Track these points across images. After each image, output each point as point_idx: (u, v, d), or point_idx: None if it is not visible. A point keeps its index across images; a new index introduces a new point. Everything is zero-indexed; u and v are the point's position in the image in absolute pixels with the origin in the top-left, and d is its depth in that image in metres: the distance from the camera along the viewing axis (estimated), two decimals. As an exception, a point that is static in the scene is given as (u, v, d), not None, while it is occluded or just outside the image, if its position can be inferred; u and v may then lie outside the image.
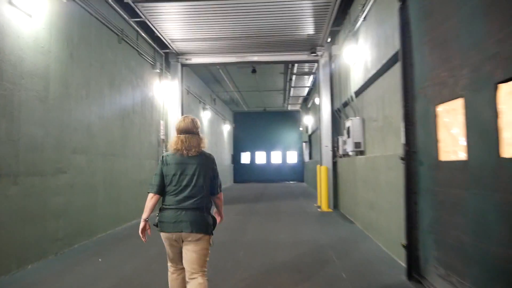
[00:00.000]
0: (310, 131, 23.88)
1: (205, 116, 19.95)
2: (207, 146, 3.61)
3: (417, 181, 5.07)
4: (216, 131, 23.82)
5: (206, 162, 3.54)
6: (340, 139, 11.52)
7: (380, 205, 7.22)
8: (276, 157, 31.60)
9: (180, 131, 3.57)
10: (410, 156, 5.22)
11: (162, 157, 3.56)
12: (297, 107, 27.55)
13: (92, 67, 7.98)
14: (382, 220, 7.09)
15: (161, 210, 3.52)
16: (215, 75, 18.27)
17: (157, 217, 3.53)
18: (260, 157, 31.70)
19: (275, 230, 8.85)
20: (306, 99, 23.77)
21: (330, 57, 12.70)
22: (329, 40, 12.34)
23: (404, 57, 5.36)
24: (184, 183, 3.44)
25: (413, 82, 5.19)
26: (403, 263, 5.52)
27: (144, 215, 3.58)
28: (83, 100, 7.58)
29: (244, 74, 18.04)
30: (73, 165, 7.16)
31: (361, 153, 9.36)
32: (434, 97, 4.57)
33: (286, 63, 14.61)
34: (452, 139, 4.26)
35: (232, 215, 11.29)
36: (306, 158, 27.00)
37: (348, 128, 9.66)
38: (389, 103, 6.92)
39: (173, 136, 3.72)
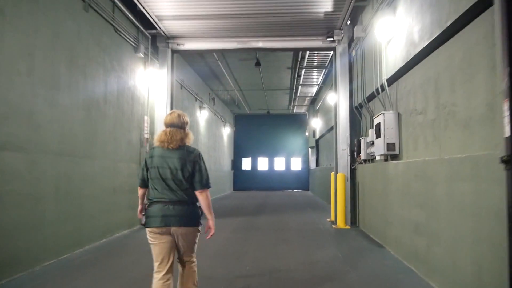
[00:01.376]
0: (318, 135, 21.77)
1: (202, 116, 17.87)
2: (192, 141, 3.60)
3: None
4: (215, 134, 21.73)
5: (187, 156, 3.50)
6: (363, 141, 9.41)
7: (435, 230, 5.08)
8: (279, 164, 29.48)
9: (166, 124, 3.58)
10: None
11: (150, 149, 3.70)
12: (303, 110, 25.46)
13: (39, 34, 5.89)
14: (439, 252, 4.95)
15: (147, 205, 3.52)
16: (213, 69, 16.21)
17: (143, 214, 3.57)
18: (262, 164, 29.57)
19: (282, 256, 6.71)
20: (314, 100, 21.69)
21: (350, 42, 10.62)
22: (348, 22, 10.27)
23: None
24: (165, 176, 3.43)
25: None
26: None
27: (139, 203, 3.75)
28: (21, 77, 5.49)
29: (247, 68, 15.98)
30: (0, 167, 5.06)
31: (394, 157, 7.26)
32: None
33: (296, 50, 12.52)
34: None
35: (227, 233, 9.15)
36: (313, 165, 24.87)
37: (378, 125, 7.55)
38: (451, 85, 4.82)
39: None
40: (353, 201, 10.46)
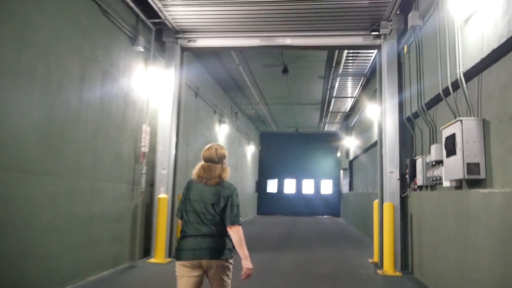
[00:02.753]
0: (352, 156, 19.42)
1: (222, 131, 15.90)
2: (229, 175, 3.55)
3: None
4: (237, 152, 19.72)
5: (222, 191, 3.46)
6: (420, 161, 7.14)
7: None
8: (308, 187, 27.08)
9: (204, 159, 3.55)
10: None
11: (187, 182, 3.59)
12: (335, 128, 23.17)
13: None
14: None
15: (180, 238, 3.47)
16: (235, 77, 14.29)
17: (176, 247, 3.49)
18: (290, 186, 27.25)
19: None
20: (348, 116, 19.43)
21: (400, 37, 8.47)
22: (398, 12, 8.16)
23: None
24: (199, 209, 3.42)
25: None
26: None
27: None
28: None
29: (273, 77, 13.99)
30: None
31: (476, 183, 5.01)
32: None
33: (331, 48, 10.43)
34: None
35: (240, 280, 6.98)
36: (345, 189, 22.43)
37: (451, 139, 5.32)
38: None
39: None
40: (403, 238, 8.13)
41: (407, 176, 8.07)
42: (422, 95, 7.15)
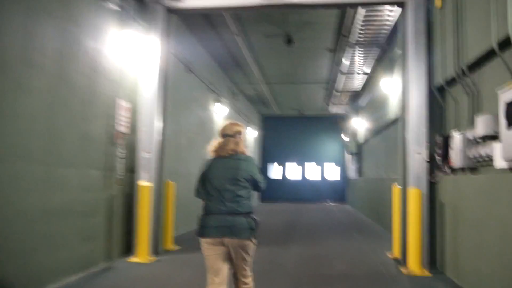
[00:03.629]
0: (361, 140, 18.02)
1: (220, 112, 14.50)
2: (244, 149, 3.61)
3: None
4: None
5: (240, 165, 3.51)
6: (458, 139, 5.76)
7: None
8: (313, 172, 25.72)
9: (220, 134, 3.64)
10: None
11: (206, 161, 3.63)
12: (343, 110, 21.67)
13: None
14: None
15: (202, 216, 3.51)
16: (233, 52, 12.83)
17: (199, 224, 3.51)
18: (294, 171, 25.88)
19: None
20: (358, 97, 17.97)
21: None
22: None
23: None
24: (220, 187, 3.45)
25: None
26: None
27: None
28: None
29: (275, 50, 12.56)
30: None
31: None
32: None
33: (344, 6, 8.98)
34: None
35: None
36: (353, 174, 21.07)
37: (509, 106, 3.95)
38: None
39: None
40: (432, 230, 6.81)
41: (437, 157, 6.71)
42: (462, 55, 5.74)
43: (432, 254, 6.76)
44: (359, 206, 17.97)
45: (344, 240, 9.75)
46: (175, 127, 9.92)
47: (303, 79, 16.24)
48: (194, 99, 11.70)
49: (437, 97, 6.95)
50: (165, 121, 7.84)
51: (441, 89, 6.87)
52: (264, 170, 25.70)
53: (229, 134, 3.58)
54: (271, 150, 25.67)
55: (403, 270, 6.60)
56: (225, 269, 3.46)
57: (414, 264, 6.48)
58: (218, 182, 3.46)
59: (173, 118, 9.63)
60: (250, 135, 21.43)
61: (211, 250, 3.43)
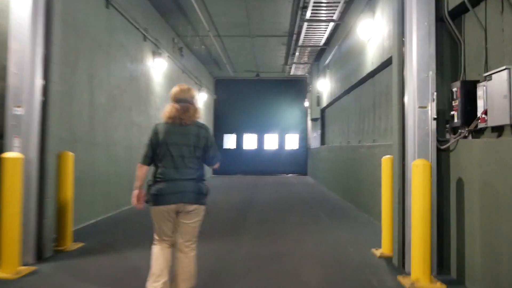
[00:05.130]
0: (325, 102, 15.90)
1: (159, 67, 11.86)
2: (201, 116, 3.58)
3: None
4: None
5: (200, 132, 3.50)
6: (486, 87, 3.61)
7: None
8: (271, 142, 23.54)
9: (175, 99, 3.51)
10: None
11: (155, 126, 3.52)
12: (304, 71, 19.45)
13: None
14: None
15: (153, 183, 3.46)
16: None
17: (149, 191, 3.47)
18: (250, 141, 23.60)
19: None
20: (322, 53, 15.73)
21: None
22: None
23: None
24: (176, 153, 3.41)
25: None
26: None
27: (138, 183, 3.59)
28: None
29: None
30: None
31: None
32: None
33: None
34: None
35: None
36: (315, 143, 19.09)
37: None
38: None
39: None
40: (440, 221, 4.75)
41: (453, 112, 4.58)
42: None
43: (440, 252, 4.74)
44: (322, 179, 16.03)
45: (310, 226, 7.62)
46: (86, 78, 7.34)
47: (260, 31, 13.75)
48: (119, 45, 9.02)
49: (450, 26, 4.77)
50: (50, 60, 5.22)
51: (456, 14, 4.71)
52: (217, 140, 23.29)
53: (187, 100, 3.52)
54: (225, 118, 23.20)
55: (402, 280, 4.50)
56: (173, 233, 3.51)
57: (419, 271, 4.36)
58: (175, 149, 3.41)
59: (82, 64, 7.08)
60: (201, 100, 18.87)
61: (163, 217, 3.43)
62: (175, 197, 3.36)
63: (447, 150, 4.72)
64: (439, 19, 4.89)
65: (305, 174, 22.49)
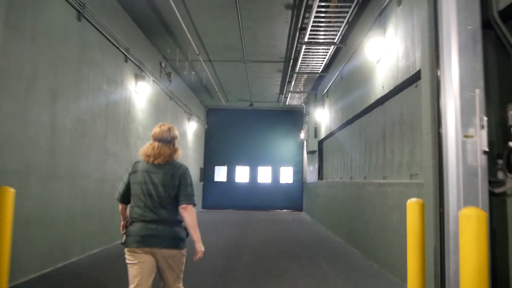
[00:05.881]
0: (323, 134, 14.77)
1: (142, 92, 10.71)
2: (180, 157, 3.43)
3: None
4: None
5: (174, 171, 3.30)
6: None
7: None
8: (264, 175, 22.28)
9: (155, 138, 3.39)
10: None
11: (134, 163, 3.41)
12: (300, 101, 18.41)
13: None
14: None
15: (128, 224, 3.29)
16: (159, 11, 9.16)
17: (124, 233, 3.29)
18: (242, 174, 22.33)
19: None
20: (320, 81, 14.74)
21: None
22: None
23: None
24: (149, 192, 3.23)
25: None
26: None
27: (121, 218, 3.45)
28: None
29: (218, 4, 9.01)
30: None
31: None
32: None
33: None
34: None
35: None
36: (311, 177, 17.86)
37: None
38: None
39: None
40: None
41: (511, 143, 3.42)
42: None
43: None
44: (320, 217, 14.70)
45: (311, 280, 6.28)
46: (47, 98, 6.17)
47: (254, 55, 12.75)
48: (93, 64, 7.87)
49: (500, 31, 3.67)
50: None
51: (509, 15, 3.63)
52: (208, 172, 21.98)
53: (166, 140, 3.36)
54: (216, 149, 22.03)
55: None
56: (149, 282, 3.22)
57: None
58: (148, 188, 3.23)
59: (42, 83, 5.93)
60: (190, 129, 17.70)
61: (136, 259, 3.18)
62: (146, 239, 3.15)
63: (503, 194, 3.52)
64: (485, 23, 3.80)
65: (300, 210, 21.17)
